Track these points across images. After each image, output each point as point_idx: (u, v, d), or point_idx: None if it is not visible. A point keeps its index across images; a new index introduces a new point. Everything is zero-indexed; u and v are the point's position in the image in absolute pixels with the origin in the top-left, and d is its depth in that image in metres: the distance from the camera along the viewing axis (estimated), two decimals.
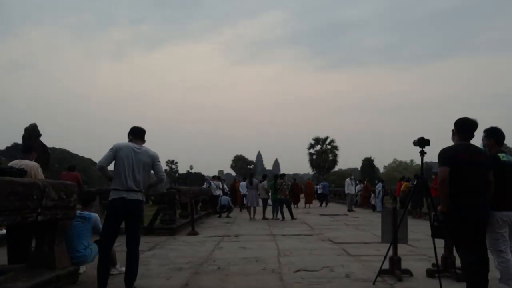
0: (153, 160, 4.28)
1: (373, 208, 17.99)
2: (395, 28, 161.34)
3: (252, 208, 13.71)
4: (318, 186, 24.53)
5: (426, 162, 4.49)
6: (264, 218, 13.40)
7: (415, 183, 15.10)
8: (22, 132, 5.46)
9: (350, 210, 17.92)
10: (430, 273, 4.80)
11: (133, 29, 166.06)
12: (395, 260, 4.80)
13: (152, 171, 4.37)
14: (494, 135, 3.78)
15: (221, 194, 16.80)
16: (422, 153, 4.33)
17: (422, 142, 4.30)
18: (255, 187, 14.13)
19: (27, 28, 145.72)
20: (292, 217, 13.27)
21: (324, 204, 22.15)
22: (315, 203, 22.40)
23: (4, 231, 5.85)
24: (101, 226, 5.08)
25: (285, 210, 13.60)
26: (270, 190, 13.89)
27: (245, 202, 17.30)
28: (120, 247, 7.52)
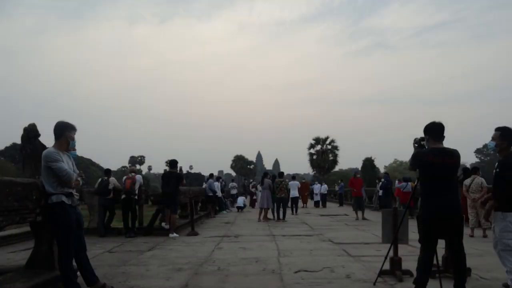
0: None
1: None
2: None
3: (263, 210, 13.29)
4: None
5: None
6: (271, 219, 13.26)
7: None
8: (21, 132, 5.44)
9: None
10: (431, 274, 4.77)
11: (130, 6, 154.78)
12: (395, 261, 4.78)
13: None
14: (509, 136, 3.97)
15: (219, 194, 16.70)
16: None
17: (423, 142, 4.28)
18: (267, 187, 13.27)
19: (18, 11, 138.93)
20: (283, 218, 13.14)
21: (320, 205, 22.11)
22: (310, 203, 22.66)
23: None
24: None
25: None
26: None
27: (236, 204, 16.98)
28: (119, 247, 7.51)
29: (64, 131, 4.02)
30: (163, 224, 9.30)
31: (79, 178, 4.21)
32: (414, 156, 3.90)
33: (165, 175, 9.59)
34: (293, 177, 15.75)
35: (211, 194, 15.22)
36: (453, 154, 3.74)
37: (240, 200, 18.80)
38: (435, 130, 3.85)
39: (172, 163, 9.70)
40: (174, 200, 9.21)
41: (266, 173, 14.37)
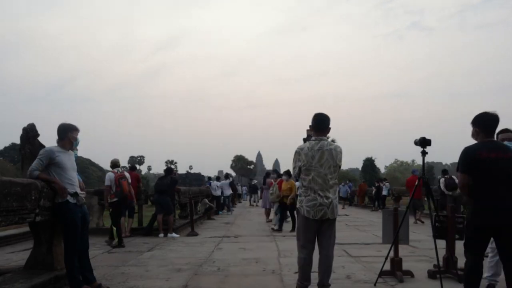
0: None
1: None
2: None
3: (265, 210, 13.25)
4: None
5: (427, 162, 4.46)
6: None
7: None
8: (20, 132, 5.43)
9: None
10: (431, 274, 4.76)
11: None
12: (396, 261, 4.76)
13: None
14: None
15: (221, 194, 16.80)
16: (424, 153, 4.29)
17: (423, 142, 4.27)
18: (268, 187, 12.88)
19: None
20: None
21: None
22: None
23: None
24: None
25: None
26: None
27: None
28: (118, 247, 7.48)
29: (66, 132, 4.17)
30: None
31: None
32: (464, 153, 3.29)
33: (161, 178, 9.95)
34: (267, 173, 14.59)
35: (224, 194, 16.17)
36: (508, 148, 3.30)
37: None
38: (488, 122, 3.33)
39: (168, 171, 10.01)
40: (165, 201, 9.27)
41: (268, 173, 14.33)
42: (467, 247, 3.32)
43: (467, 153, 3.28)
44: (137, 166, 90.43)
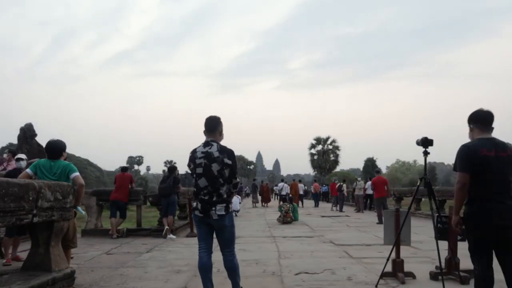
0: None
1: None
2: None
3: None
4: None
5: (429, 162, 4.42)
6: None
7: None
8: (17, 131, 5.41)
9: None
10: (433, 276, 4.72)
11: None
12: (398, 263, 4.72)
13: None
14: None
15: None
16: (426, 153, 4.25)
17: (425, 142, 4.23)
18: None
19: None
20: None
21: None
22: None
23: None
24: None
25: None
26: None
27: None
28: (117, 248, 7.44)
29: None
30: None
31: None
32: (465, 151, 3.11)
33: (164, 178, 9.87)
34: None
35: None
36: (506, 146, 3.10)
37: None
38: (483, 118, 3.19)
39: (171, 169, 9.95)
40: (173, 201, 9.32)
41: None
42: (473, 251, 3.13)
43: (469, 150, 3.09)
44: (136, 167, 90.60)
